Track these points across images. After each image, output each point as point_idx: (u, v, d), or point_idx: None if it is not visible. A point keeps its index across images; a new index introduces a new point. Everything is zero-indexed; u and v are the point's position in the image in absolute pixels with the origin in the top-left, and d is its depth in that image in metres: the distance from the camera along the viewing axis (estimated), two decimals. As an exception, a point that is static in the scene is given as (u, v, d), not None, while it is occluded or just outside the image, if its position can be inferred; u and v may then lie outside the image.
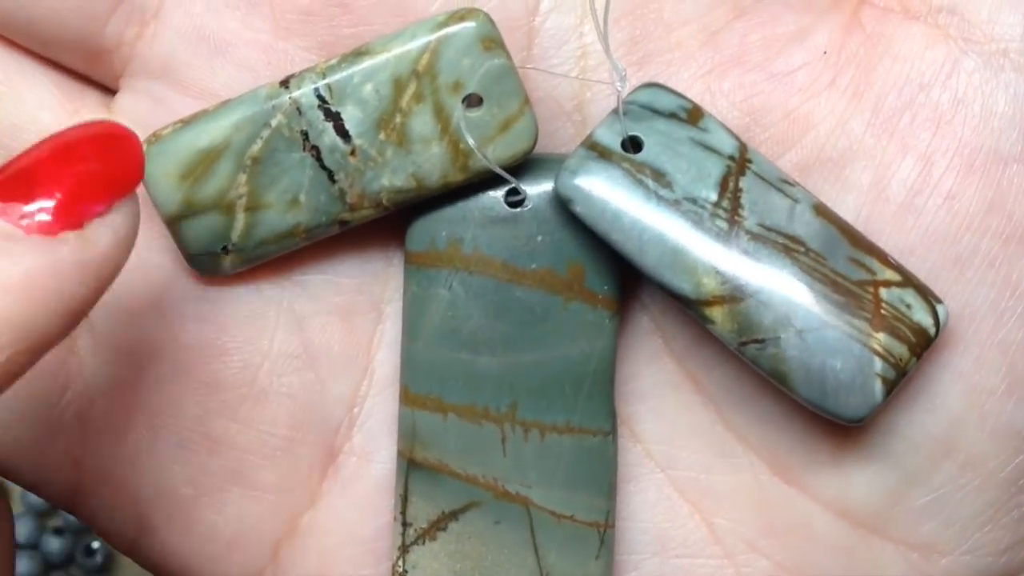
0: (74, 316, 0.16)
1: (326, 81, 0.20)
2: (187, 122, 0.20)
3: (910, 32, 0.20)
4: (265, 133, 0.20)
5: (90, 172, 0.16)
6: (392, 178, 0.20)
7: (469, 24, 0.20)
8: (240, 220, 0.21)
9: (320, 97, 0.20)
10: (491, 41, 0.20)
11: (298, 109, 0.20)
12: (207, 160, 0.20)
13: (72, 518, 0.35)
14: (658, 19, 0.21)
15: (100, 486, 0.21)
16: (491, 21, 0.20)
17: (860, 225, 0.20)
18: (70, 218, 0.16)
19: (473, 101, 0.20)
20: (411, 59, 0.20)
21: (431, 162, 0.20)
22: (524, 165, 0.21)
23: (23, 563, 0.35)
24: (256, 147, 0.20)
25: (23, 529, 0.36)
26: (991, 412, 0.20)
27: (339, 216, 0.21)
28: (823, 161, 0.20)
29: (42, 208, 0.16)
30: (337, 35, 0.21)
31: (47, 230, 0.16)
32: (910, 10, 0.20)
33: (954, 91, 0.20)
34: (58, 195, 0.16)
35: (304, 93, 0.20)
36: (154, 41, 0.21)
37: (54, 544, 0.36)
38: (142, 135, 0.21)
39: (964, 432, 0.20)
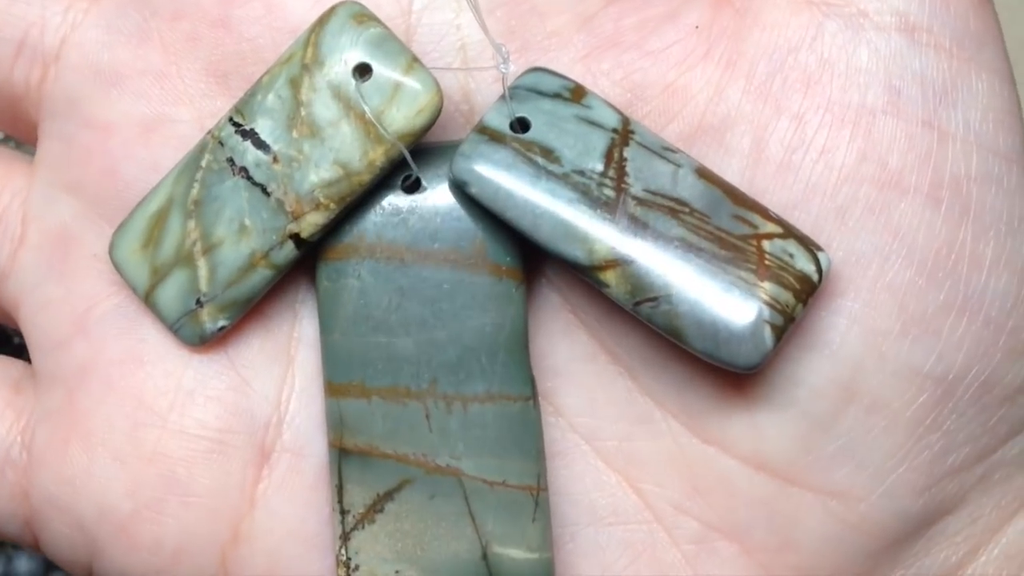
0: None
1: (237, 109, 0.21)
2: (140, 200, 0.22)
3: (776, 2, 0.22)
4: (199, 175, 0.22)
5: None
6: (318, 171, 0.21)
7: (338, 10, 0.22)
8: (202, 266, 0.22)
9: (234, 123, 0.22)
10: (362, 16, 0.21)
11: (220, 142, 0.22)
12: (159, 222, 0.22)
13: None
14: (532, 9, 0.22)
15: (48, 515, 0.23)
16: (358, 3, 0.22)
17: (744, 185, 0.22)
18: None
19: (363, 71, 0.21)
20: (298, 58, 0.21)
21: (347, 143, 0.21)
22: (418, 154, 0.22)
23: (23, 563, 0.36)
24: (195, 191, 0.22)
25: (22, 528, 0.36)
26: (889, 353, 0.21)
27: (287, 230, 0.22)
28: (704, 129, 0.22)
29: None
30: (223, 53, 0.22)
31: None
32: None
33: (819, 53, 0.21)
34: None
35: (221, 126, 0.22)
36: (57, 82, 0.22)
37: (54, 544, 0.37)
38: (60, 179, 0.22)
39: (865, 376, 0.21)
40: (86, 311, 0.22)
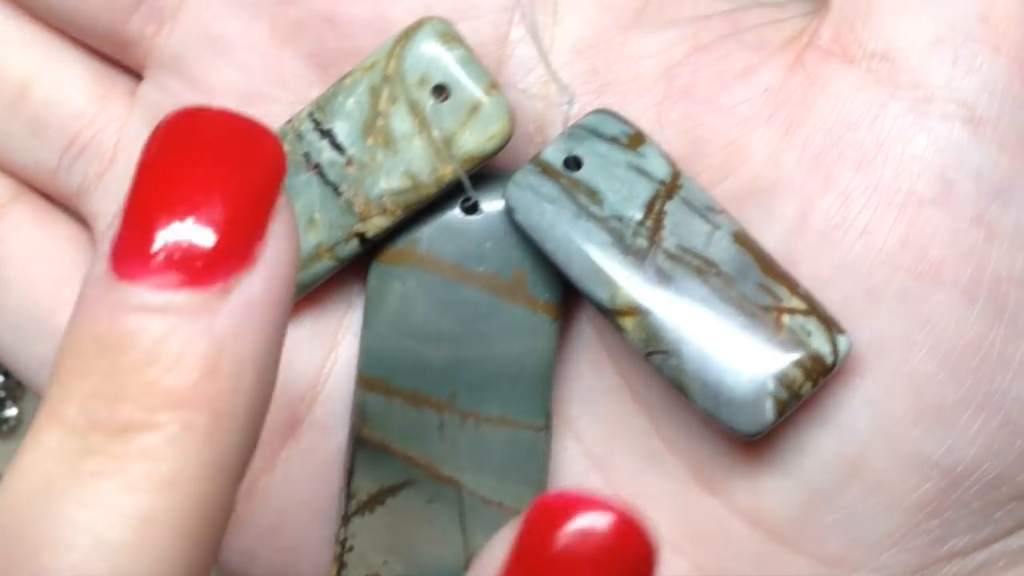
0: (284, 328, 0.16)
1: (318, 105, 0.24)
2: None
3: (845, 75, 0.22)
4: None
5: (239, 192, 0.16)
6: (388, 180, 0.23)
7: (426, 26, 0.23)
8: None
9: (314, 120, 0.24)
10: (448, 36, 0.23)
11: (299, 135, 0.24)
12: None
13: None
14: (620, 53, 0.24)
15: None
16: (446, 21, 0.23)
17: (781, 254, 0.22)
18: (240, 253, 0.15)
19: (441, 92, 0.23)
20: (381, 67, 0.23)
21: (418, 157, 0.23)
22: (484, 178, 0.23)
23: None
24: None
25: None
26: (898, 438, 0.22)
27: (353, 229, 0.23)
28: (755, 191, 0.23)
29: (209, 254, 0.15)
30: (324, 47, 0.24)
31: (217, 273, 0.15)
32: (848, 54, 0.22)
33: (878, 133, 0.22)
34: (218, 234, 0.15)
35: (301, 120, 0.24)
36: (169, 38, 0.25)
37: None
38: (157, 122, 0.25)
39: (872, 456, 0.22)
40: None
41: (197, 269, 0.15)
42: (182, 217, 0.15)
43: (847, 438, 0.22)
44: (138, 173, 0.16)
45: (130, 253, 0.15)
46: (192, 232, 0.15)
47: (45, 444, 0.15)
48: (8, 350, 0.26)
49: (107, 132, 0.25)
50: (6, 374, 0.36)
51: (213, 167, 0.16)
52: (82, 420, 0.15)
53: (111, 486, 0.15)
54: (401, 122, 0.23)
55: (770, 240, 0.22)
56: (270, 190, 0.16)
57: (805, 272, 0.22)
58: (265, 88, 0.24)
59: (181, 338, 0.15)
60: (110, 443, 0.15)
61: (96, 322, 0.15)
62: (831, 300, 0.22)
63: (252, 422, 0.16)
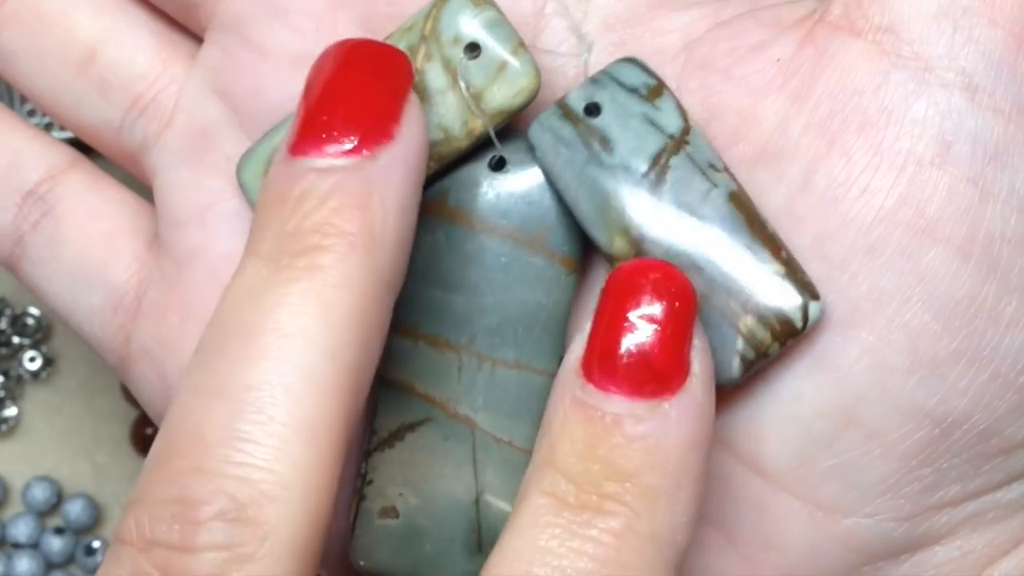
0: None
1: None
2: (268, 130, 0.26)
3: (852, 47, 0.23)
4: None
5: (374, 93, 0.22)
6: None
7: None
8: None
9: None
10: (481, 0, 0.24)
11: None
12: None
13: (73, 518, 0.38)
14: (647, 27, 0.25)
15: (140, 361, 0.27)
16: None
17: (785, 212, 0.23)
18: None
19: (474, 50, 0.24)
20: (418, 28, 0.25)
21: (451, 111, 0.25)
22: (511, 136, 0.24)
23: (23, 563, 0.37)
24: None
25: (23, 529, 0.37)
26: (893, 387, 0.23)
27: None
28: (765, 155, 0.24)
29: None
30: (375, 11, 0.26)
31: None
32: (855, 28, 0.24)
33: (881, 99, 0.23)
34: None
35: None
36: (232, 1, 0.27)
37: (54, 544, 0.37)
38: (214, 83, 0.27)
39: (867, 404, 0.23)
40: (209, 204, 0.27)
41: (351, 143, 0.22)
42: (343, 114, 0.22)
43: (843, 386, 0.23)
44: (309, 80, 0.23)
45: (302, 137, 0.22)
46: (344, 118, 0.22)
47: (247, 269, 0.21)
48: (63, 300, 0.28)
49: (167, 92, 0.27)
50: (6, 374, 0.38)
51: (360, 76, 0.23)
52: (275, 250, 0.21)
53: (299, 287, 0.21)
54: (436, 78, 0.25)
55: (777, 199, 0.23)
56: (402, 87, 0.22)
57: (807, 229, 0.23)
58: (316, 51, 0.25)
59: (341, 189, 0.21)
60: (296, 260, 0.21)
61: (280, 186, 0.22)
62: (832, 255, 0.23)
63: (398, 245, 0.22)
